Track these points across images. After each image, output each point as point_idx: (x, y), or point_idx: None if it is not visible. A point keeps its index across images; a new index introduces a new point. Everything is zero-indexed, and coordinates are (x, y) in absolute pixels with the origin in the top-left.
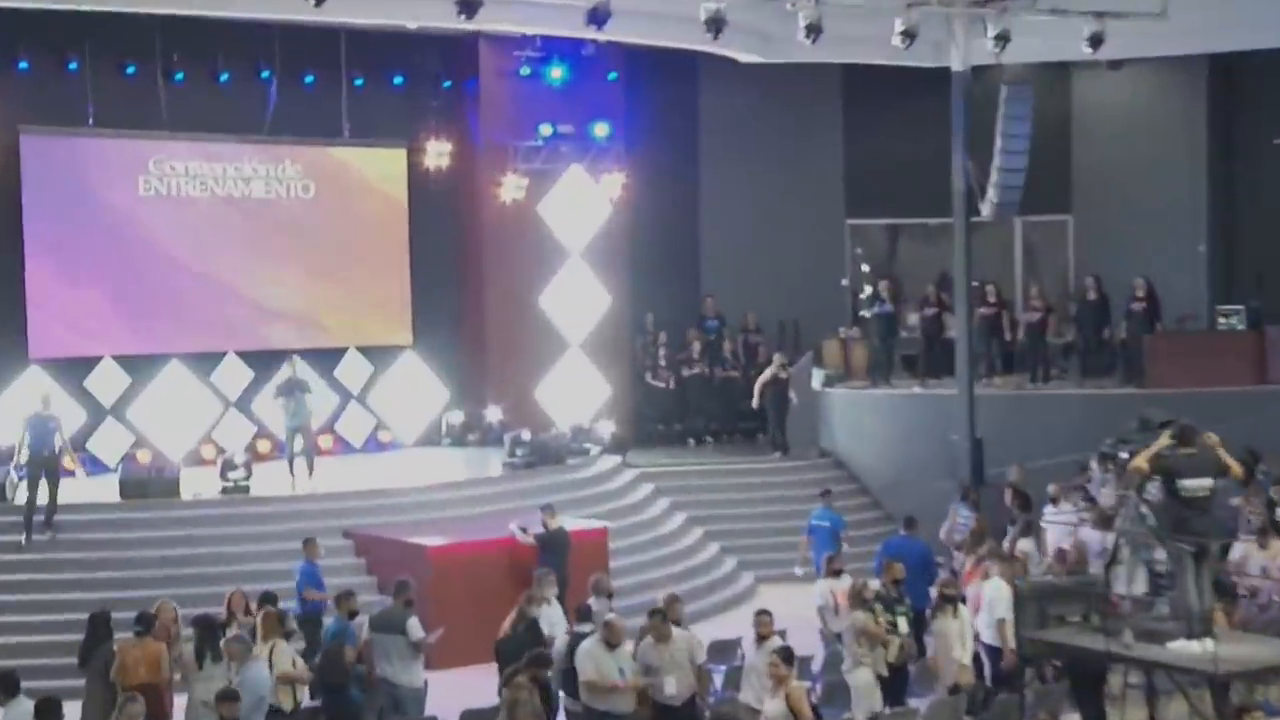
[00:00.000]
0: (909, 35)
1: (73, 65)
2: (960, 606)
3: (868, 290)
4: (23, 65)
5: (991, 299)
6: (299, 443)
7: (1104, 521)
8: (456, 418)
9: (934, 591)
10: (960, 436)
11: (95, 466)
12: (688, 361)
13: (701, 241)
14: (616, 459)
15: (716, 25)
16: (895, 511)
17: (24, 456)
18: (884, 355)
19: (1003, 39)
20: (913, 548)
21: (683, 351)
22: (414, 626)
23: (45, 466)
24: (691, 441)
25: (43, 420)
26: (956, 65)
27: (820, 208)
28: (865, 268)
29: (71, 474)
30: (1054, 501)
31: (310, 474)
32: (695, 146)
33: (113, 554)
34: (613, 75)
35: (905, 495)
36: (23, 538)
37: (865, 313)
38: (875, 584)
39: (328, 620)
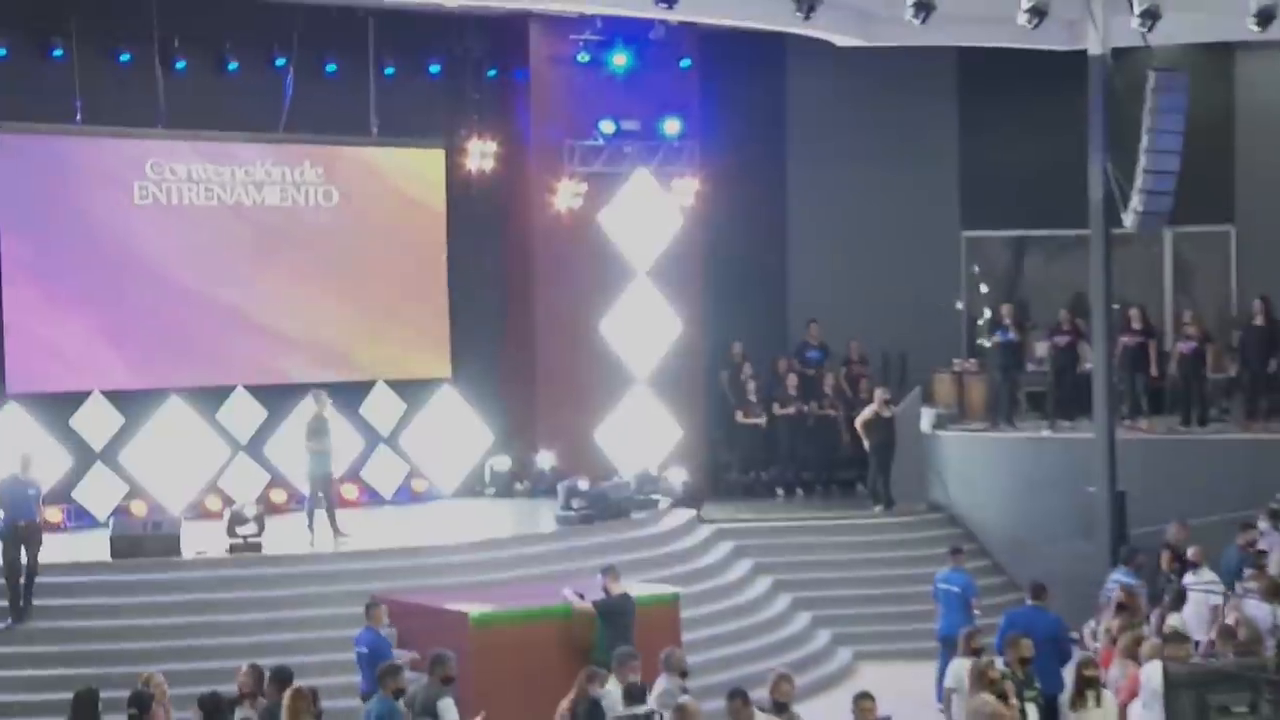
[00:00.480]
0: (1037, 13)
1: (57, 52)
2: (1104, 693)
3: (987, 315)
4: (0, 53)
5: (1136, 326)
6: (321, 493)
7: (1275, 593)
8: (502, 464)
9: (1070, 673)
10: (1098, 489)
11: (82, 520)
12: (781, 398)
13: (789, 257)
14: (690, 513)
15: (809, 3)
16: (1020, 577)
17: None
18: (1006, 392)
19: (1151, 16)
20: (1042, 620)
21: (777, 386)
22: (447, 709)
23: (24, 538)
24: (779, 493)
25: (21, 486)
26: (1094, 48)
27: (931, 218)
28: (984, 288)
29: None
30: (1193, 566)
31: (334, 530)
32: (782, 146)
33: (102, 622)
34: (685, 63)
35: (1032, 558)
36: (6, 622)
37: (984, 341)
38: (1000, 663)
39: (370, 704)
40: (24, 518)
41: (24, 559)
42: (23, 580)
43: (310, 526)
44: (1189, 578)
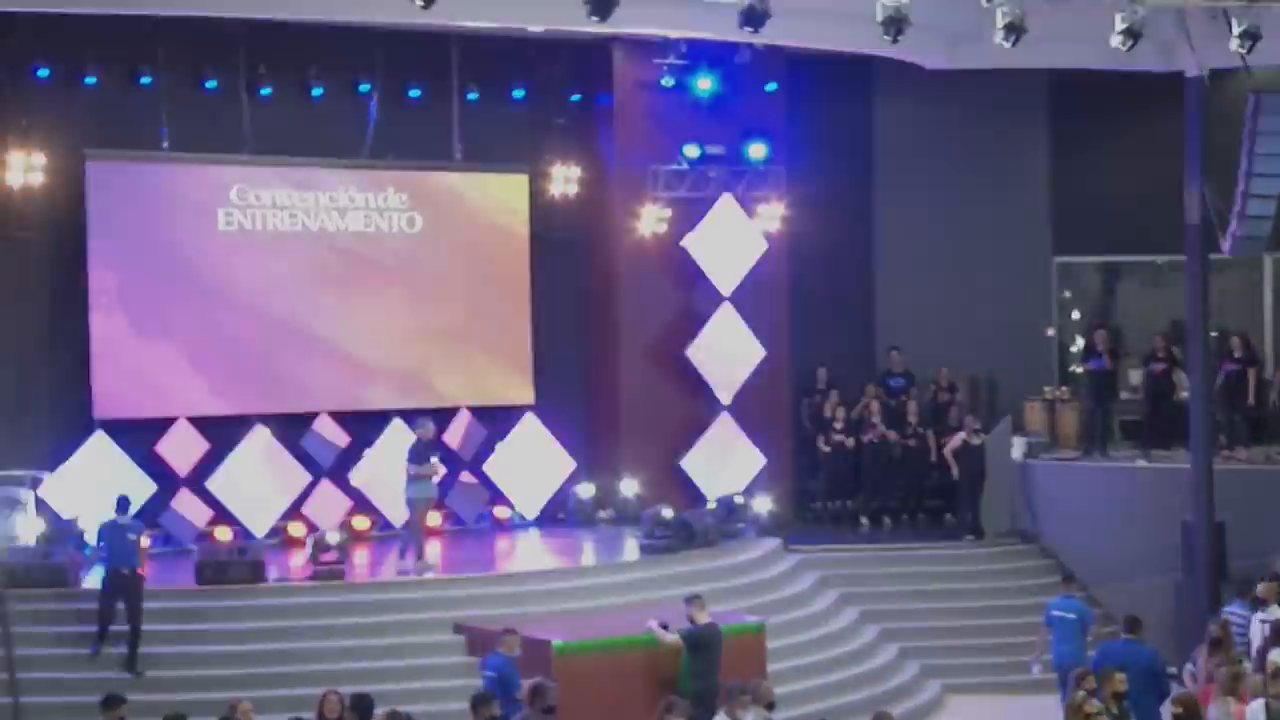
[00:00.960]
0: (1132, 34)
1: (145, 79)
2: None
3: (1080, 342)
4: (89, 80)
5: (1236, 353)
6: (416, 520)
7: None
8: (586, 491)
9: (1166, 711)
10: (1195, 520)
11: (168, 545)
12: (865, 425)
13: (876, 283)
14: (775, 542)
15: (896, 25)
16: (1114, 609)
17: (98, 568)
18: (1099, 420)
19: (1251, 37)
20: (1137, 655)
21: (861, 414)
22: None
23: (125, 588)
24: (865, 522)
25: (121, 530)
26: (1191, 70)
27: (1022, 243)
28: (1076, 315)
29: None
30: (1261, 603)
31: (419, 557)
32: (870, 170)
33: (187, 649)
34: (771, 86)
35: (1126, 591)
36: (93, 648)
37: (1077, 369)
38: (1095, 701)
39: None
40: (126, 565)
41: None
42: (128, 636)
43: (405, 555)
44: (1256, 617)
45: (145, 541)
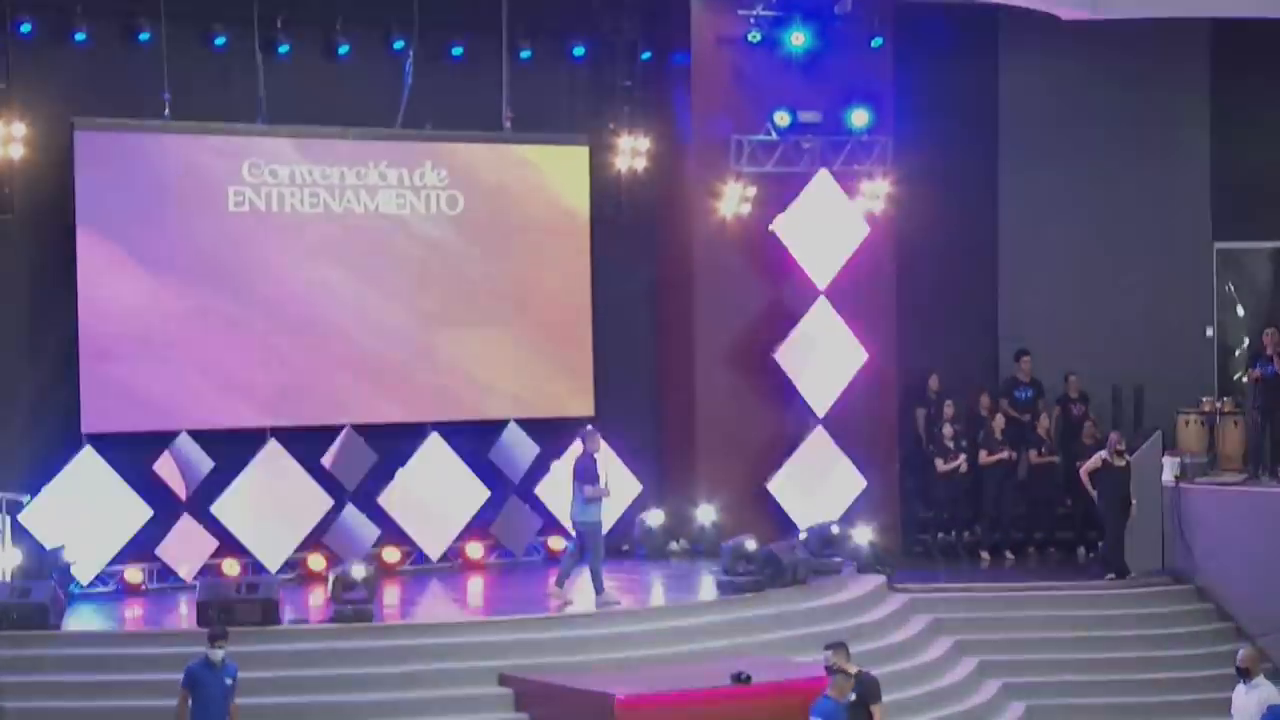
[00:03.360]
0: None
1: (143, 35)
2: None
3: (1245, 344)
4: (78, 37)
5: None
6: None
7: None
8: (655, 519)
9: None
10: None
11: (165, 580)
12: (987, 443)
13: (1000, 275)
14: (878, 579)
15: None
16: None
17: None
18: (1269, 436)
19: None
20: None
21: (980, 429)
22: None
23: None
24: (985, 556)
25: (216, 673)
26: None
27: (1176, 228)
28: (1241, 311)
29: None
30: (1245, 674)
31: (598, 590)
32: (993, 141)
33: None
34: (877, 42)
35: None
36: None
37: (1242, 376)
38: None
39: None
40: (216, 716)
41: None
42: None
43: (560, 583)
44: (1240, 691)
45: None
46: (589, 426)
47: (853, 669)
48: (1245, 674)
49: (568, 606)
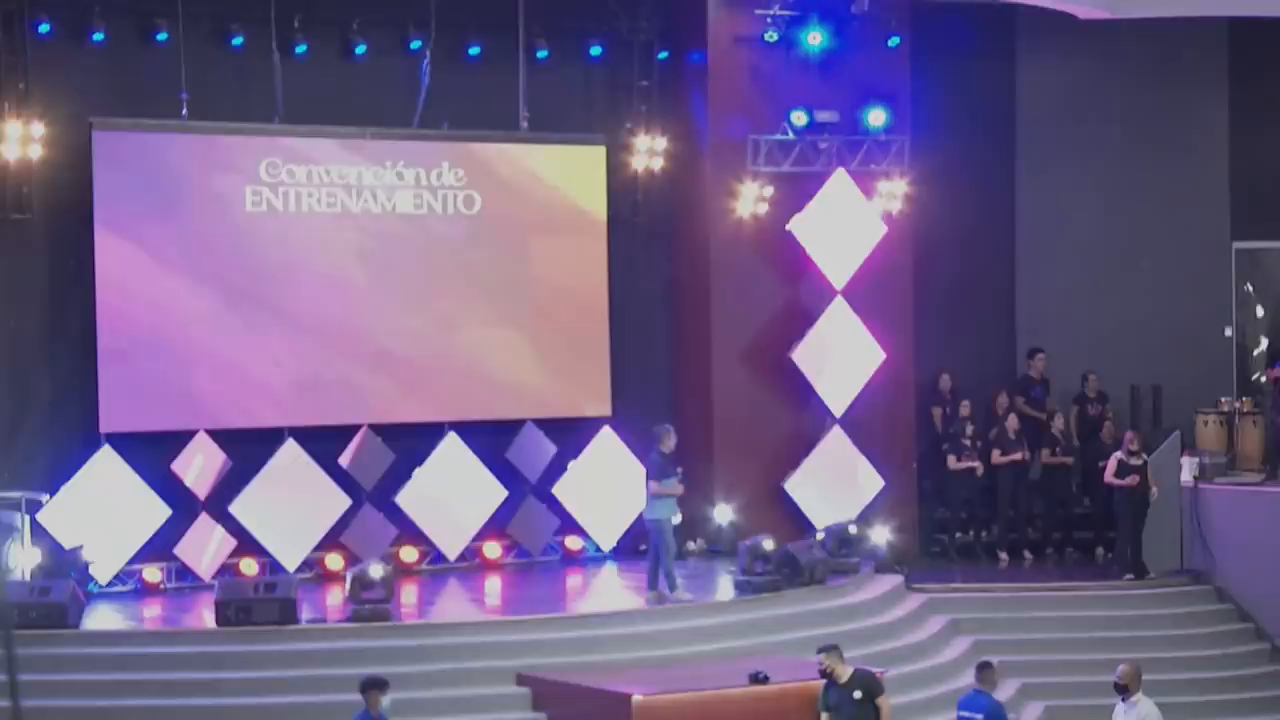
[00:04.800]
0: None
1: (161, 35)
2: None
3: (1264, 344)
4: (96, 37)
5: None
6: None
7: None
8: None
9: None
10: None
11: (184, 580)
12: (1002, 442)
13: (1018, 274)
14: (896, 579)
15: None
16: None
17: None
18: None
19: None
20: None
21: (995, 428)
22: None
23: None
24: (1003, 556)
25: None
26: None
27: (1194, 226)
28: (1260, 311)
29: None
30: (1124, 691)
31: (672, 587)
32: (1010, 141)
33: (204, 702)
34: (894, 41)
35: None
36: None
37: (1261, 376)
38: None
39: None
40: None
41: None
42: None
43: (652, 585)
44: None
45: None
46: (666, 426)
47: (847, 671)
48: (1124, 691)
49: (670, 604)
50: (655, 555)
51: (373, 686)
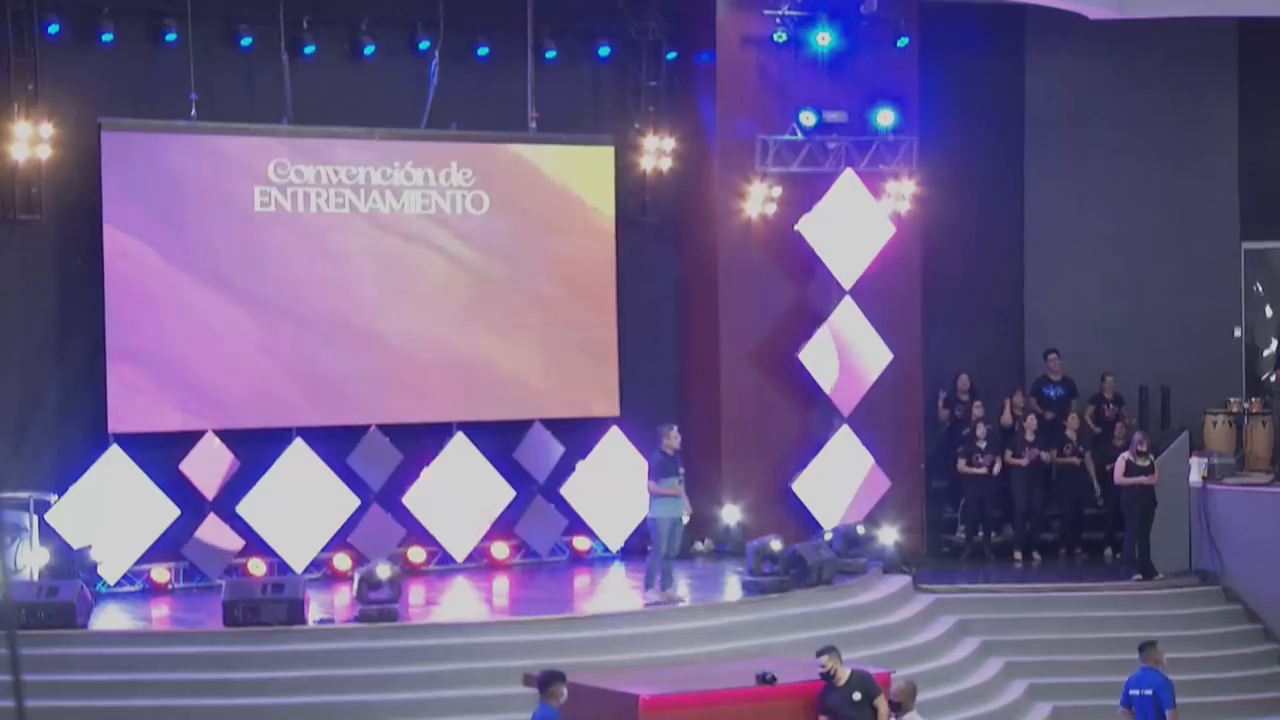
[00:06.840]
0: None
1: (170, 36)
2: None
3: (1274, 345)
4: (105, 38)
5: None
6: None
7: None
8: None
9: None
10: None
11: (192, 580)
12: (1015, 443)
13: (1027, 274)
14: (904, 580)
15: None
16: None
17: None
18: None
19: None
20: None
21: (1009, 429)
22: None
23: None
24: (1018, 556)
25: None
26: None
27: (1204, 226)
28: (1269, 312)
29: None
30: (897, 709)
31: (670, 585)
32: (1019, 141)
33: (211, 702)
34: (903, 41)
35: None
36: None
37: (1270, 376)
38: None
39: None
40: None
41: None
42: None
43: (648, 584)
44: None
45: None
46: (670, 425)
47: (846, 672)
48: (897, 709)
49: (678, 603)
50: (654, 553)
51: (554, 681)
